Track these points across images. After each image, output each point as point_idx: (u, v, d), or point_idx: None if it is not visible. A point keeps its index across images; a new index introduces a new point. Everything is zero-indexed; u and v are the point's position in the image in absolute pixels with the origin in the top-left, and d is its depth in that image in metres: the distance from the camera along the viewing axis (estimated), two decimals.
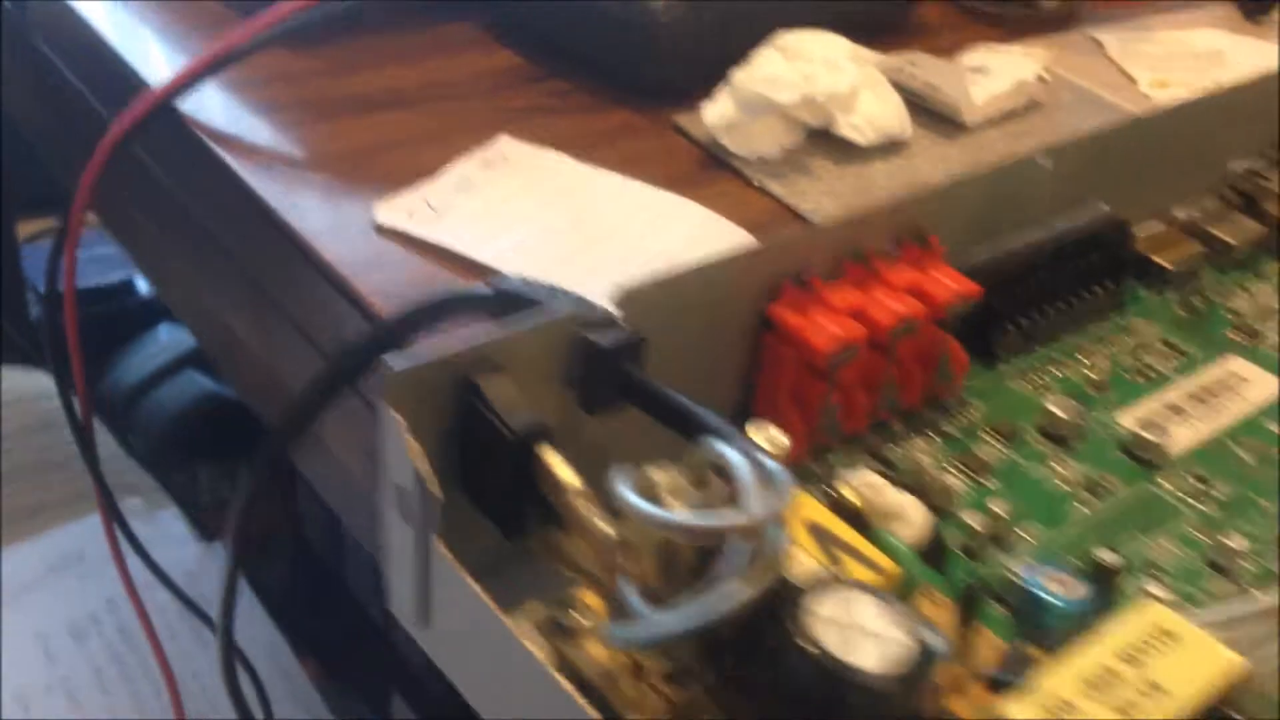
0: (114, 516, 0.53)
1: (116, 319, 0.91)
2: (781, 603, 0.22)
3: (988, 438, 0.32)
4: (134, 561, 0.55)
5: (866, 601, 0.22)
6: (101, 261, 0.94)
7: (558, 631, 0.26)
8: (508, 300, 0.28)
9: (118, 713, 0.61)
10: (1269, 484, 0.31)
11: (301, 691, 0.64)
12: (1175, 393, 0.34)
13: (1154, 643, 0.21)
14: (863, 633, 0.21)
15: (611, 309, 0.27)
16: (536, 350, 0.26)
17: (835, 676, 0.21)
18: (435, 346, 0.25)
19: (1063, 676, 0.20)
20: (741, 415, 0.31)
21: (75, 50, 0.46)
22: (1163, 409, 0.33)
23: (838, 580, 0.22)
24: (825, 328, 0.29)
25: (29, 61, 0.49)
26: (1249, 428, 0.33)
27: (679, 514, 0.22)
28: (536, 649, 0.24)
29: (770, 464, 0.23)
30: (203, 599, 0.48)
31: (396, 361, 0.25)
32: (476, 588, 0.25)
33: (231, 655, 0.39)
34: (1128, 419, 0.33)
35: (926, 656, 0.22)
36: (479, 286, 0.29)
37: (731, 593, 0.21)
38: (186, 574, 0.58)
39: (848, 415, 0.31)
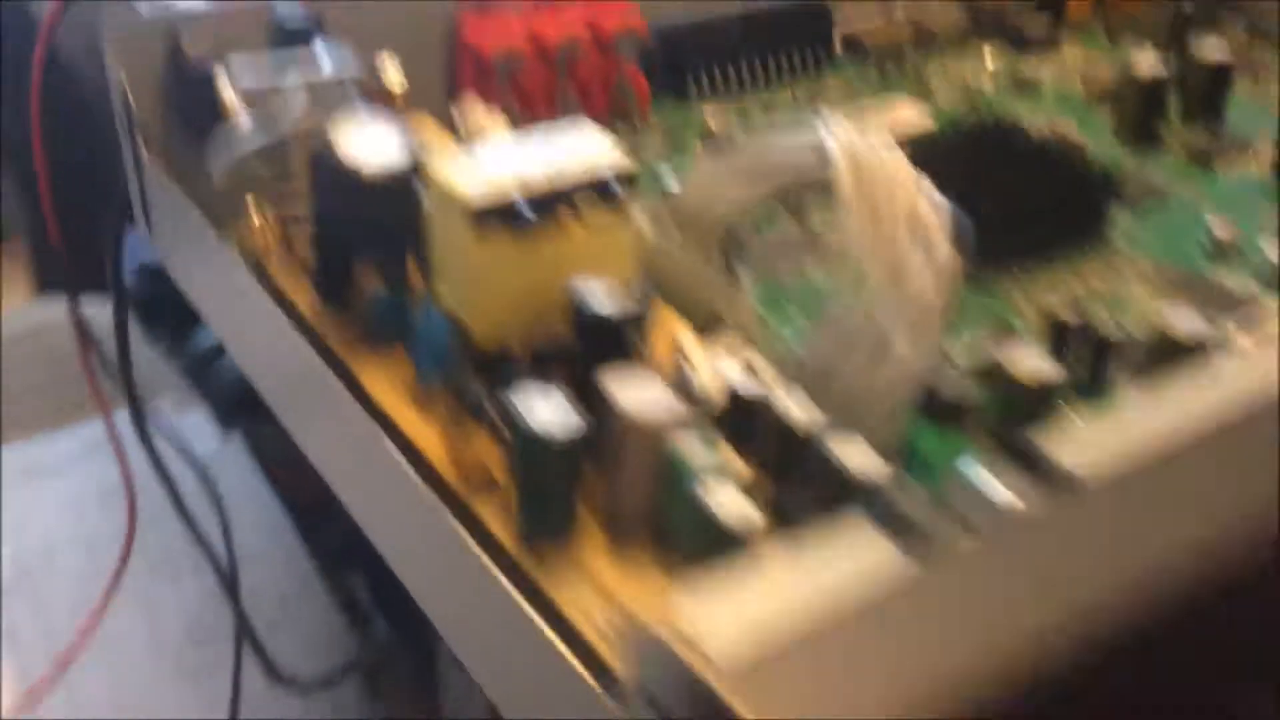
0: (133, 404, 0.63)
1: None
2: None
3: (659, 141, 0.39)
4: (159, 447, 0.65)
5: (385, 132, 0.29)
6: None
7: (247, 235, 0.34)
8: None
9: (132, 566, 0.71)
10: None
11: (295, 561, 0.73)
12: (836, 115, 0.40)
13: None
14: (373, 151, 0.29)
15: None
16: (243, 32, 0.35)
17: (339, 169, 0.28)
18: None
19: None
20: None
21: None
22: (820, 125, 0.40)
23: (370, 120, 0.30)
24: (495, 38, 0.37)
25: None
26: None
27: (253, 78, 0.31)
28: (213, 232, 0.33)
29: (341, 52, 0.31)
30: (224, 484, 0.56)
31: (114, 20, 0.34)
32: (173, 184, 0.34)
33: (142, 411, 0.48)
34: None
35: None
36: None
37: (279, 120, 0.30)
38: (206, 455, 0.68)
39: (531, 120, 0.39)
